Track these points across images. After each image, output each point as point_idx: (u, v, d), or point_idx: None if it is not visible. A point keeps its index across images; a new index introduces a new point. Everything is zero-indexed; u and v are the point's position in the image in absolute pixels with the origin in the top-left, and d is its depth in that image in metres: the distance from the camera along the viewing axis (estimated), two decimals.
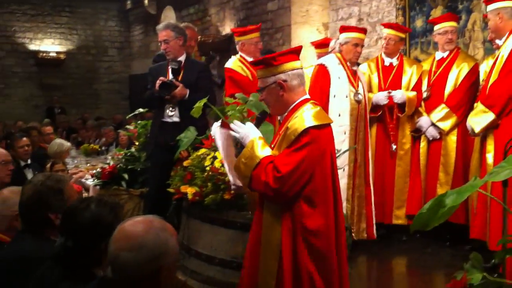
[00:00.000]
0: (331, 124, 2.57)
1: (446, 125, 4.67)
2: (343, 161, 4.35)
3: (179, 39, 4.45)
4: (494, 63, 4.10)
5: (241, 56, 5.00)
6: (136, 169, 5.04)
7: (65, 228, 2.10)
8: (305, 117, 2.41)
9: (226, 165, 2.86)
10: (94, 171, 5.63)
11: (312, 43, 6.03)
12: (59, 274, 2.04)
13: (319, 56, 5.43)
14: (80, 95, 14.41)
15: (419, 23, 6.07)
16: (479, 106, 4.09)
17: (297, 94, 2.52)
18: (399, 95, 4.80)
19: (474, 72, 4.67)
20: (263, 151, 2.44)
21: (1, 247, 2.55)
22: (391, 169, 4.91)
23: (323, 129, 2.45)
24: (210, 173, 3.57)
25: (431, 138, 4.77)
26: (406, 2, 6.17)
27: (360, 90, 4.62)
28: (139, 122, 5.55)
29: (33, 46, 14.04)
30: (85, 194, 5.17)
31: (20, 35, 13.92)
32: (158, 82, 4.29)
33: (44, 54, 14.04)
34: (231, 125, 2.59)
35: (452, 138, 4.70)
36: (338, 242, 2.51)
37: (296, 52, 2.58)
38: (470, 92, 4.66)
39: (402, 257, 4.73)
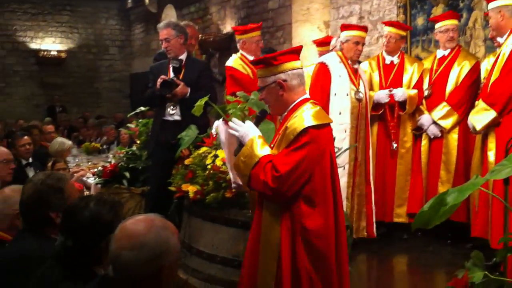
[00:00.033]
0: (332, 123, 2.56)
1: (447, 123, 4.67)
2: (343, 160, 4.34)
3: (180, 37, 4.45)
4: (496, 61, 4.09)
5: (242, 54, 5.00)
6: (137, 168, 5.05)
7: (64, 227, 2.09)
8: (304, 117, 2.40)
9: (228, 163, 2.86)
10: (96, 170, 5.63)
11: (314, 41, 6.03)
12: (59, 273, 2.04)
13: (321, 54, 5.42)
14: (81, 93, 14.41)
15: (420, 21, 6.06)
16: (480, 104, 4.09)
17: (297, 94, 2.51)
18: (400, 93, 4.79)
19: (475, 70, 4.66)
20: (262, 150, 2.44)
21: (3, 246, 2.55)
22: (392, 167, 4.90)
23: (323, 128, 2.45)
24: (211, 171, 3.57)
25: (432, 136, 4.77)
26: (407, 0, 6.17)
27: (361, 88, 4.61)
28: (140, 120, 5.56)
29: (34, 45, 14.04)
30: (86, 193, 5.18)
31: (21, 34, 13.93)
32: (159, 81, 4.29)
33: (45, 53, 14.04)
34: (230, 124, 2.58)
35: (454, 136, 4.69)
36: (338, 242, 2.50)
37: (296, 52, 2.57)
38: (471, 90, 4.65)
39: (403, 256, 4.73)
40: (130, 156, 5.19)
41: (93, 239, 2.02)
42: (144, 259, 1.71)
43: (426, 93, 4.85)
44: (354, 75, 4.61)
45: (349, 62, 4.61)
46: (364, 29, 4.73)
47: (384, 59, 5.02)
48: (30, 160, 5.29)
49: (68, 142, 6.32)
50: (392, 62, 4.99)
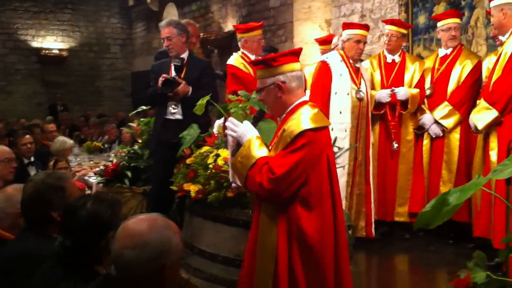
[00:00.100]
0: (332, 121, 2.55)
1: (449, 122, 4.66)
2: (343, 159, 4.33)
3: (182, 36, 4.44)
4: (497, 60, 4.08)
5: (243, 53, 4.99)
6: (139, 167, 5.04)
7: (63, 227, 2.10)
8: (302, 119, 2.39)
9: (230, 162, 2.85)
10: (97, 169, 5.63)
11: (316, 40, 6.03)
12: (60, 272, 2.04)
13: (324, 52, 5.41)
14: (82, 92, 14.40)
15: (422, 19, 6.05)
16: (482, 103, 4.08)
17: (296, 96, 2.50)
18: (402, 92, 4.79)
19: (477, 69, 4.65)
20: (259, 151, 2.42)
21: (5, 244, 2.56)
22: (393, 166, 4.90)
23: (320, 131, 2.43)
24: (213, 170, 3.57)
25: (434, 136, 4.76)
26: None
27: (362, 87, 4.60)
28: (141, 119, 5.55)
29: (35, 43, 14.04)
30: (88, 192, 5.18)
31: (22, 32, 13.92)
32: (160, 79, 4.29)
33: (47, 51, 14.03)
34: (227, 124, 2.56)
35: (455, 136, 4.69)
36: (338, 242, 2.49)
37: (296, 54, 2.56)
38: (473, 89, 4.64)
39: (404, 255, 4.73)
40: (132, 155, 5.19)
41: (92, 238, 2.02)
42: (146, 258, 1.71)
43: (428, 92, 4.84)
44: (355, 74, 4.60)
45: (351, 61, 4.60)
46: (366, 27, 4.71)
47: (385, 58, 5.01)
48: (32, 159, 5.30)
49: (70, 141, 6.32)
50: (393, 60, 4.98)
